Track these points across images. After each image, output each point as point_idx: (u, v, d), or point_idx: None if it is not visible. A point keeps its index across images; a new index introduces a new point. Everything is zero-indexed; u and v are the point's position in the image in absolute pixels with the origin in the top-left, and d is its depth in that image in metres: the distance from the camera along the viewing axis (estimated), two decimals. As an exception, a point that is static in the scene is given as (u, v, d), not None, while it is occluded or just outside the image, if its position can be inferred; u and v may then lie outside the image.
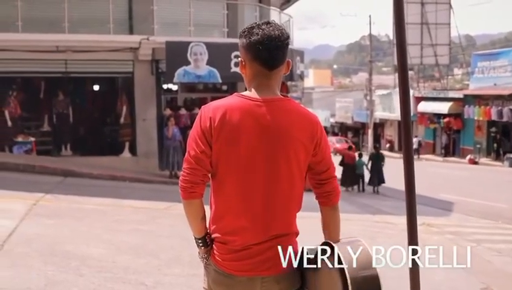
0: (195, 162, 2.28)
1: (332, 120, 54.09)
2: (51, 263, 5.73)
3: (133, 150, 16.55)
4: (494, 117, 29.09)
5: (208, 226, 2.40)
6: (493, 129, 30.35)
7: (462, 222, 10.70)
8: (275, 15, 20.31)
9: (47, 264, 5.68)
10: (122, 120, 16.54)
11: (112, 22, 15.82)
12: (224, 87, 18.64)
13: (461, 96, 32.79)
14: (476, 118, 30.80)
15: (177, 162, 15.77)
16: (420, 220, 10.98)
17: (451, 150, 34.63)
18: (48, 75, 16.30)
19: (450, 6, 40.15)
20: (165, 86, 17.39)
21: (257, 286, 2.28)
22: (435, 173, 23.18)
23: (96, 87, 17.58)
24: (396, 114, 38.98)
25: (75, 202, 9.82)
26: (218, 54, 16.12)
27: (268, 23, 2.34)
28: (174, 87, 17.96)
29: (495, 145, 30.26)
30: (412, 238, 2.68)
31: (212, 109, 2.30)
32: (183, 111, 17.23)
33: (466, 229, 9.74)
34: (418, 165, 23.83)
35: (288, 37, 2.34)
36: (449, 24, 40.09)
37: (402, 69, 2.40)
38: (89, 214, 8.92)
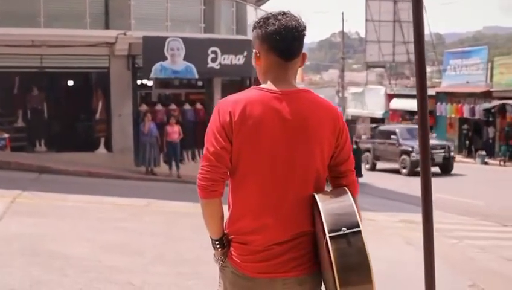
0: (216, 159, 2.17)
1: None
2: (34, 263, 5.60)
3: (108, 146, 16.35)
4: (466, 114, 29.48)
5: (224, 226, 2.30)
6: (465, 126, 30.77)
7: (441, 218, 10.76)
8: (251, 11, 20.24)
9: (30, 265, 5.55)
10: (97, 116, 16.30)
11: (88, 16, 15.53)
12: (200, 83, 18.52)
13: (433, 93, 33.14)
14: (448, 115, 31.18)
15: (154, 158, 15.66)
16: (399, 217, 11.05)
17: (423, 146, 35.06)
18: (22, 70, 16.01)
19: (423, 5, 40.56)
20: (139, 82, 17.20)
21: (278, 288, 2.20)
22: (408, 170, 23.38)
23: (71, 83, 17.35)
24: (368, 111, 39.34)
25: (54, 199, 9.65)
26: (195, 50, 16.00)
27: (284, 13, 2.27)
28: (149, 83, 17.78)
29: (467, 142, 30.68)
30: (429, 247, 2.62)
31: (231, 103, 2.21)
32: (159, 107, 17.09)
33: (446, 225, 9.82)
34: (392, 162, 23.98)
35: (305, 28, 2.27)
36: (421, 22, 40.48)
37: (420, 76, 2.37)
38: (70, 211, 8.77)
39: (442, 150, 22.53)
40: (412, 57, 33.13)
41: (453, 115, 30.74)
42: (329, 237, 1.98)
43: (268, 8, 23.26)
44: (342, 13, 46.27)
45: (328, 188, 2.29)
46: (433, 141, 21.45)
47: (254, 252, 2.20)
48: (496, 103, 27.96)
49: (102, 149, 16.35)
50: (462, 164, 27.86)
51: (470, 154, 30.00)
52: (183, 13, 17.14)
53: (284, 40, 2.22)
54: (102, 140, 16.36)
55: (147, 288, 5.29)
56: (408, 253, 7.49)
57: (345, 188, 2.21)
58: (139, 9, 16.17)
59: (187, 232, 8.21)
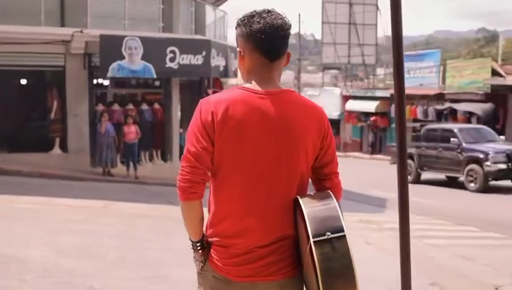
0: (196, 160, 2.10)
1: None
2: (-11, 268, 5.41)
3: (63, 147, 15.99)
4: (419, 116, 30.02)
5: (204, 229, 2.24)
6: (418, 128, 31.42)
7: (388, 217, 10.93)
8: (210, 11, 20.16)
9: (-14, 270, 5.35)
10: (52, 115, 15.92)
11: (43, 13, 15.13)
12: (157, 83, 18.32)
13: (388, 95, 33.72)
14: (402, 116, 31.76)
15: (111, 158, 15.40)
16: (356, 217, 11.14)
17: (377, 147, 35.58)
18: (-26, 68, 15.48)
19: (377, 8, 41.26)
20: (95, 81, 16.88)
21: None
22: (363, 170, 23.69)
23: (25, 81, 16.89)
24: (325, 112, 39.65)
25: (7, 201, 9.36)
26: (153, 49, 15.83)
27: (269, 11, 2.21)
28: (105, 82, 17.48)
29: (420, 143, 31.32)
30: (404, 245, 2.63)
31: (213, 103, 2.14)
32: (116, 107, 16.81)
33: (395, 225, 9.93)
34: (345, 162, 23.90)
35: (290, 27, 2.22)
36: (376, 25, 41.22)
37: (398, 79, 2.37)
38: (24, 214, 8.52)
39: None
40: (367, 59, 33.73)
41: (406, 117, 31.28)
42: (314, 241, 1.94)
43: (226, 8, 23.26)
44: (299, 15, 46.65)
45: (310, 191, 2.26)
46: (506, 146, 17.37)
47: (235, 255, 2.15)
48: (448, 105, 28.65)
49: (57, 150, 15.98)
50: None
51: (423, 155, 30.59)
52: (142, 12, 16.91)
53: (269, 39, 2.16)
54: (57, 140, 15.98)
55: (109, 292, 5.18)
56: (368, 252, 7.54)
57: (329, 191, 2.17)
58: (96, 7, 15.88)
59: (147, 234, 8.08)
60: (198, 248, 2.22)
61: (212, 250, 2.21)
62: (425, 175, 19.15)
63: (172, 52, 16.11)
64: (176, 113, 18.01)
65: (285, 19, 2.21)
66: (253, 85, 2.20)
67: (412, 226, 9.17)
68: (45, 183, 12.48)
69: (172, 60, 16.14)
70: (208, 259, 2.23)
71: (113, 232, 7.88)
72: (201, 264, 2.25)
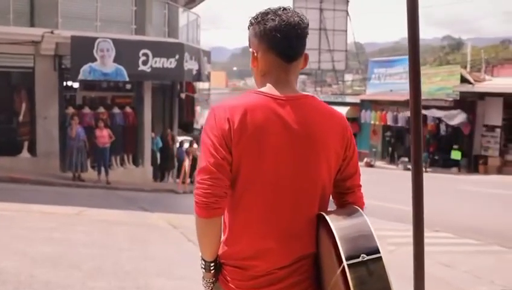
0: (218, 170, 1.88)
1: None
2: (-41, 280, 5.13)
3: (32, 150, 15.56)
4: (389, 122, 30.33)
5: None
6: (388, 133, 31.70)
7: (373, 225, 10.88)
8: (183, 13, 19.95)
9: (-45, 281, 5.07)
10: (21, 118, 15.50)
11: (12, 12, 14.70)
12: (128, 86, 18.00)
13: (358, 101, 33.96)
14: (372, 122, 32.00)
15: (81, 163, 15.04)
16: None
17: (348, 153, 35.80)
18: None
19: (347, 14, 41.57)
20: (65, 83, 16.47)
21: None
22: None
23: (-9, 83, 16.35)
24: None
25: (-25, 207, 9.00)
26: (125, 52, 15.58)
27: (284, 8, 2.01)
28: (75, 85, 17.07)
29: (390, 149, 31.61)
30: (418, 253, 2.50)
31: (228, 109, 1.94)
32: (86, 110, 16.44)
33: (381, 232, 9.92)
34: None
35: (307, 25, 2.03)
36: (346, 31, 41.51)
37: (415, 81, 2.25)
38: (-6, 221, 8.19)
39: None
40: (336, 65, 33.88)
41: (377, 122, 31.55)
42: (347, 264, 1.77)
43: (198, 11, 23.03)
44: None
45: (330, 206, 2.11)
46: None
47: (253, 278, 1.96)
48: (417, 111, 28.97)
49: (25, 153, 15.55)
50: (385, 170, 28.65)
51: (392, 160, 30.91)
52: (114, 13, 16.56)
53: (285, 38, 1.98)
54: (26, 144, 15.56)
55: (87, 304, 4.96)
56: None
57: (357, 207, 2.00)
58: (67, 8, 15.47)
59: (123, 242, 7.86)
60: (212, 268, 2.03)
61: (225, 271, 2.02)
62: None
63: (145, 55, 15.87)
64: (148, 117, 17.73)
65: (302, 16, 2.02)
66: (269, 89, 2.01)
67: (388, 233, 9.14)
68: (14, 188, 12.09)
69: (145, 63, 15.89)
70: (218, 280, 2.05)
71: (88, 240, 7.63)
72: (211, 285, 2.06)
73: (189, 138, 22.02)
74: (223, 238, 2.02)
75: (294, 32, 1.99)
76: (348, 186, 2.12)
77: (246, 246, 1.96)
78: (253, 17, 2.05)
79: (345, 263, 1.77)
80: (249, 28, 2.08)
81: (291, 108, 1.97)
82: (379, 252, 1.81)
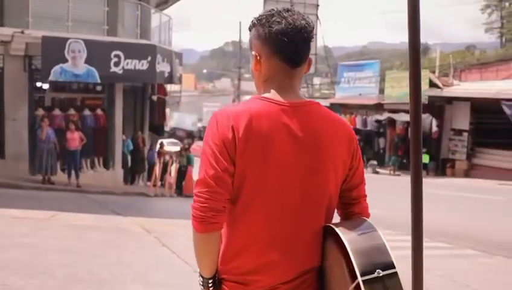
0: (216, 184, 1.79)
1: (199, 124, 54.37)
2: None
3: (0, 153, 15.23)
4: (358, 125, 30.63)
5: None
6: (357, 137, 31.91)
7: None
8: (155, 15, 19.79)
9: None
10: (-12, 119, 15.14)
11: (-20, 11, 14.41)
12: (98, 88, 17.77)
13: (328, 104, 34.22)
14: (341, 125, 32.27)
15: (51, 165, 14.79)
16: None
17: (317, 156, 36.05)
18: None
19: (317, 18, 41.79)
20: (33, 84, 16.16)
21: None
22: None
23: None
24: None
25: None
26: (97, 53, 15.38)
27: (289, 10, 1.93)
28: (45, 86, 16.77)
29: (359, 152, 31.93)
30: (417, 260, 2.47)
31: (232, 116, 1.84)
32: (57, 112, 16.16)
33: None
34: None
35: (313, 29, 1.96)
36: (315, 35, 41.70)
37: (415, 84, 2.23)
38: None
39: None
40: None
41: (345, 126, 31.84)
42: (363, 280, 1.71)
43: (170, 12, 22.87)
44: (240, 22, 46.99)
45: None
46: None
47: None
48: (386, 115, 29.30)
49: (-7, 156, 15.19)
50: (355, 173, 28.90)
51: (362, 163, 31.18)
52: (86, 14, 16.29)
53: (292, 42, 1.89)
54: (-6, 146, 15.21)
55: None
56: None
57: (365, 218, 1.96)
58: (38, 7, 15.19)
59: (97, 247, 7.72)
60: (210, 285, 1.95)
61: (225, 287, 1.94)
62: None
63: (117, 56, 15.68)
64: (119, 119, 17.51)
65: (307, 19, 1.94)
66: (274, 95, 1.93)
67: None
68: (-19, 191, 11.82)
69: (116, 64, 15.71)
70: None
71: (61, 246, 7.48)
72: None
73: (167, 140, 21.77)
74: (221, 252, 1.94)
75: (300, 36, 1.91)
76: (354, 197, 2.07)
77: (247, 260, 1.89)
78: (257, 18, 1.97)
79: (359, 278, 1.71)
80: (250, 30, 2.00)
81: (297, 115, 1.90)
82: (394, 267, 1.75)
